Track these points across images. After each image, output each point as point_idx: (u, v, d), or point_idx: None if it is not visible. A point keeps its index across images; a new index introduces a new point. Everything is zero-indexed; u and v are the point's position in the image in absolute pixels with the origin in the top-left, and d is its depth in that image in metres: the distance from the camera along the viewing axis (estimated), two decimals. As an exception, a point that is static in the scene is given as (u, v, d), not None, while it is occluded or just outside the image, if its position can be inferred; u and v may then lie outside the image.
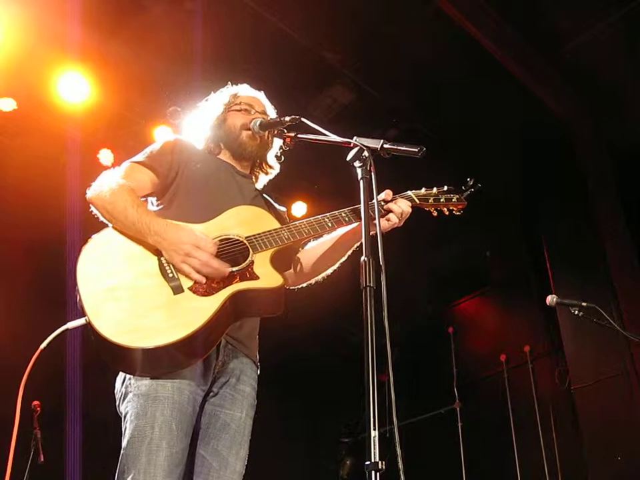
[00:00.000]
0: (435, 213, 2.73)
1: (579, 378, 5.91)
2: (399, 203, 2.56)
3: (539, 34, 5.88)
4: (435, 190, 2.71)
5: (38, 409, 4.76)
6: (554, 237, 6.57)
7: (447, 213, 2.74)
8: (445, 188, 2.72)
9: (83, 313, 2.10)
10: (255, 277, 2.26)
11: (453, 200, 2.71)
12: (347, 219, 2.53)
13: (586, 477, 5.65)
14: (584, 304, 3.38)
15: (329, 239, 2.63)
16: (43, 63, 5.31)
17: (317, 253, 2.65)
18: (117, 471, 2.12)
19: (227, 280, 2.21)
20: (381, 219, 2.43)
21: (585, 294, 5.05)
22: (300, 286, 2.71)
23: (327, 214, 2.54)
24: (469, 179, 2.73)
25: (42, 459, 4.66)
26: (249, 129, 2.65)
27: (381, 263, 1.88)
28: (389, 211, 2.53)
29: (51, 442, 4.92)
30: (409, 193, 2.68)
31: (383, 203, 2.52)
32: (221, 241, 2.30)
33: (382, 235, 1.96)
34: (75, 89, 5.43)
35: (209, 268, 2.18)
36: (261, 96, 2.83)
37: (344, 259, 2.68)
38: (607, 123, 6.39)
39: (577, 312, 3.40)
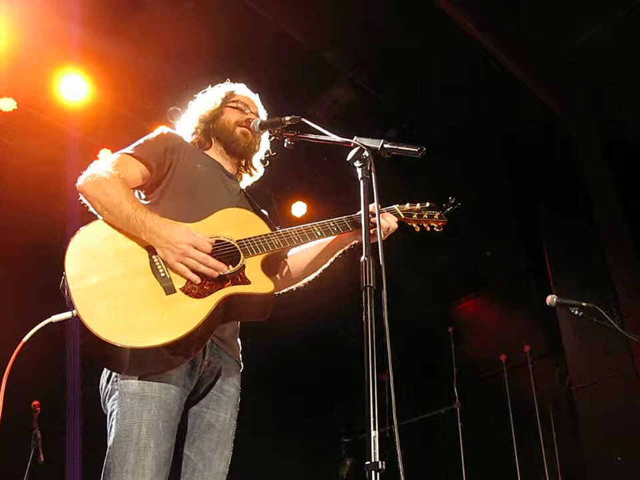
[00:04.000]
0: (418, 229, 2.76)
1: (579, 378, 5.90)
2: (386, 217, 2.59)
3: (539, 34, 5.89)
4: (418, 205, 2.75)
5: (38, 409, 4.76)
6: (554, 237, 6.56)
7: (428, 229, 2.77)
8: (427, 204, 2.76)
9: (71, 307, 2.08)
10: (246, 281, 2.24)
11: (435, 217, 2.75)
12: (335, 229, 2.53)
13: (586, 477, 5.64)
14: (584, 304, 3.38)
15: (313, 246, 2.64)
16: (43, 62, 5.31)
17: (300, 259, 2.67)
18: (103, 469, 2.10)
19: (219, 283, 2.19)
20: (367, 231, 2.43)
21: (585, 294, 5.05)
22: (282, 291, 2.69)
23: (317, 222, 2.54)
24: (450, 197, 2.75)
25: (42, 459, 4.66)
26: (243, 126, 2.66)
27: (381, 263, 1.88)
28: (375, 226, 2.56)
29: (50, 442, 4.92)
30: (395, 207, 2.70)
31: (370, 216, 2.54)
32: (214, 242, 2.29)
33: (382, 236, 1.97)
34: (75, 88, 5.44)
35: (205, 267, 2.17)
36: (256, 98, 2.84)
37: (326, 265, 2.70)
38: (607, 123, 6.39)
39: (576, 312, 3.40)
